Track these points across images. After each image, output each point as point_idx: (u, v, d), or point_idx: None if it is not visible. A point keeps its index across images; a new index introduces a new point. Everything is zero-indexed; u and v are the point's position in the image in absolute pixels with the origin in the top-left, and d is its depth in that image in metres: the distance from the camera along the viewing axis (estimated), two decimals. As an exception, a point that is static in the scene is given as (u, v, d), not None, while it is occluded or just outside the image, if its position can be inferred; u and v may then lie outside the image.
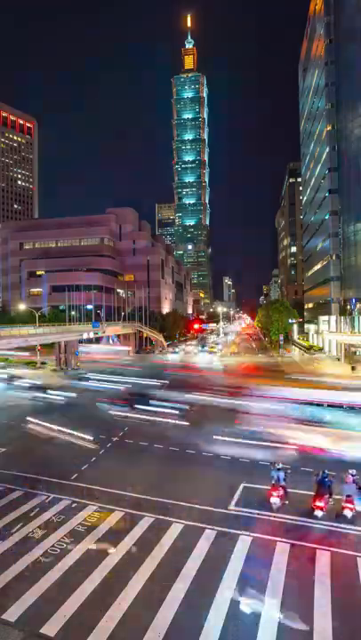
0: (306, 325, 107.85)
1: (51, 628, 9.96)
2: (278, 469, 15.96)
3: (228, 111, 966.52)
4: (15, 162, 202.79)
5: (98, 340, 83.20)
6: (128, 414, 29.93)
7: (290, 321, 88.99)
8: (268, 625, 9.92)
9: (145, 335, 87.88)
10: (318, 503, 14.68)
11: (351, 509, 14.45)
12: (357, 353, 59.60)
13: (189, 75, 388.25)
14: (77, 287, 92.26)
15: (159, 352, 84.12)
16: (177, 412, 29.70)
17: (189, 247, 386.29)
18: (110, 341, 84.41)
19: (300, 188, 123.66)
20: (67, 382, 44.98)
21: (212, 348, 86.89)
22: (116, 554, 12.86)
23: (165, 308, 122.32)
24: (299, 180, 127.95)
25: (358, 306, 63.11)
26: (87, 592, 11.19)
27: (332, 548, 13.01)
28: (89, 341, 76.28)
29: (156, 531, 14.18)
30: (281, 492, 15.48)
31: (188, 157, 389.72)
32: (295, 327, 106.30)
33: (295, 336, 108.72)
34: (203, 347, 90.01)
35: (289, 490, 16.04)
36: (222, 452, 21.87)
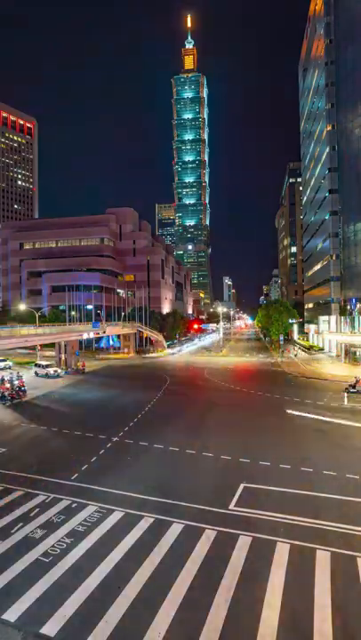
0: (306, 325, 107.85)
1: (51, 628, 9.94)
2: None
3: (229, 111, 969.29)
4: (15, 162, 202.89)
5: (97, 341, 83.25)
6: None
7: (290, 321, 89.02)
8: (268, 625, 9.92)
9: (145, 335, 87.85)
10: None
11: None
12: (357, 353, 59.62)
13: (189, 75, 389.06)
14: (77, 287, 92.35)
15: (158, 351, 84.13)
16: None
17: (189, 247, 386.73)
18: (110, 342, 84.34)
19: (301, 188, 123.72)
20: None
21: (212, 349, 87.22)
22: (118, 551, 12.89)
23: (165, 308, 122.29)
24: (299, 180, 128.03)
25: (358, 306, 63.16)
26: (87, 592, 11.19)
27: (332, 549, 13.01)
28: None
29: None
30: None
31: (188, 157, 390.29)
32: (295, 327, 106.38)
33: (295, 336, 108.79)
34: (204, 347, 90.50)
35: None
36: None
